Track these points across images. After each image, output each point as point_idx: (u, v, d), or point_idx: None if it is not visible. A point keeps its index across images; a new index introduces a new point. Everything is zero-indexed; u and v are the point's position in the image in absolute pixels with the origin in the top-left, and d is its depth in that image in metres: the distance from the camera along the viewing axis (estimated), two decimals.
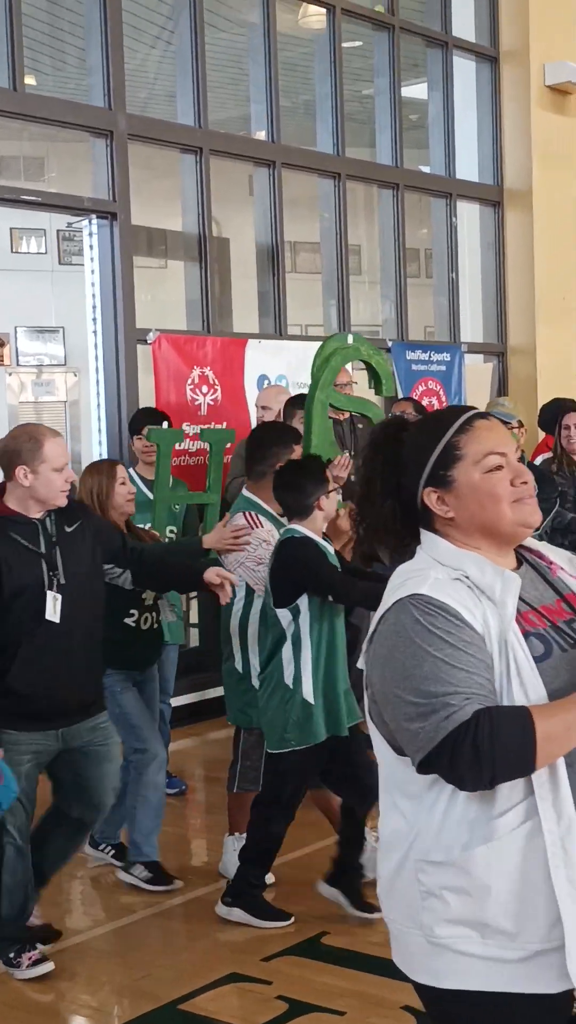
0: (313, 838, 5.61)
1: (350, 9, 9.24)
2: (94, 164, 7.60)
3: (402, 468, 2.29)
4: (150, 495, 6.29)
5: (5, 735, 4.20)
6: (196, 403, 7.71)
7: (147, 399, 7.69)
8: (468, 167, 10.34)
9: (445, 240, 10.15)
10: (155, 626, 5.27)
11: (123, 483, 5.14)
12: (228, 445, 6.85)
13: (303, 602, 4.57)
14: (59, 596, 4.20)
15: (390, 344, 9.32)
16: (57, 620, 4.20)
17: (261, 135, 8.94)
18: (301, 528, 4.66)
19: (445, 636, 2.10)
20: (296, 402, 6.47)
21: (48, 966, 4.39)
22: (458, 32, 10.18)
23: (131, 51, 8.27)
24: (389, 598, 2.19)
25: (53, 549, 4.27)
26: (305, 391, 7.59)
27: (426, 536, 2.29)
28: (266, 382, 8.09)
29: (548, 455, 7.11)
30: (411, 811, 2.20)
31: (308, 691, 4.57)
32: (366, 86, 10.72)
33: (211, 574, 4.57)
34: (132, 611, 5.13)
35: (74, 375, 12.49)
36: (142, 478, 6.36)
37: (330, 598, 4.57)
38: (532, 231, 10.27)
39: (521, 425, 6.51)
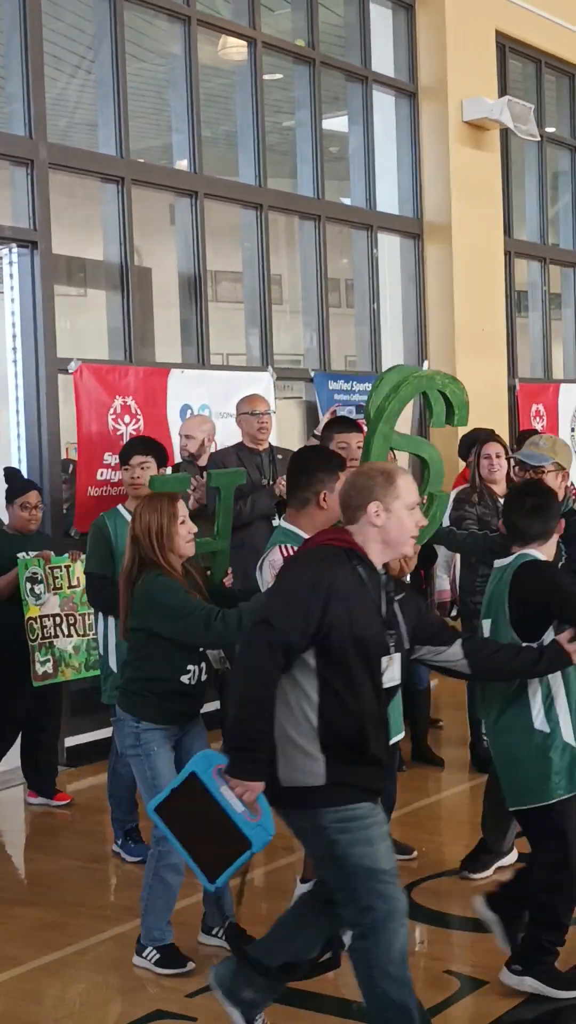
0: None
1: (271, 43, 9.30)
2: (13, 192, 7.54)
3: None
4: None
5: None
6: (118, 433, 7.66)
7: (68, 429, 7.64)
8: (388, 200, 10.44)
9: (366, 271, 10.23)
10: (203, 678, 4.72)
11: (183, 522, 4.66)
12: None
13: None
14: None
15: (313, 374, 9.35)
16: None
17: (182, 164, 8.96)
18: (533, 552, 4.40)
19: None
20: (335, 425, 6.29)
21: None
22: (378, 67, 10.30)
23: (51, 80, 8.25)
24: None
25: None
26: (230, 420, 7.63)
27: None
28: (189, 412, 8.08)
29: (465, 486, 7.11)
30: None
31: (570, 733, 4.26)
32: (286, 118, 10.80)
33: None
34: (190, 666, 4.63)
35: None
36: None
37: None
38: (451, 263, 10.39)
39: (561, 468, 5.82)
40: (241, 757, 3.49)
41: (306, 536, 4.44)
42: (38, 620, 6.64)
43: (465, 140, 10.50)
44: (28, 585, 6.61)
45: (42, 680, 6.63)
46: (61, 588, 6.73)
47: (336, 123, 10.60)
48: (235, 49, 9.55)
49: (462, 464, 7.77)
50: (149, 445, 6.17)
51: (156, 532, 4.58)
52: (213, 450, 7.30)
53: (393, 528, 3.66)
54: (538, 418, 11.61)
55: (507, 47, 11.54)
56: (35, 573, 6.62)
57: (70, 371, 7.47)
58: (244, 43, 9.20)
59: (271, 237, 9.33)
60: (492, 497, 6.88)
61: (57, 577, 6.73)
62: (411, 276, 10.57)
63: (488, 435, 7.40)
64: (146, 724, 4.58)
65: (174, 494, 4.74)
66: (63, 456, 7.74)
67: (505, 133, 11.01)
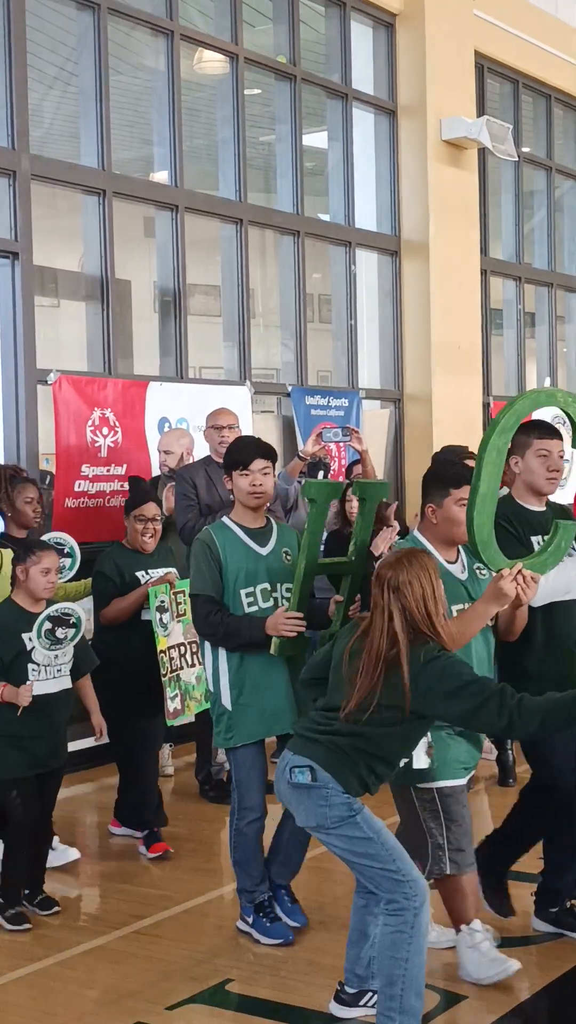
0: (211, 886, 5.60)
1: (253, 59, 9.34)
2: None
3: None
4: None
5: None
6: (96, 445, 7.67)
7: (47, 440, 7.63)
8: (366, 216, 10.50)
9: (344, 287, 10.27)
10: None
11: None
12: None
13: None
14: None
15: (290, 389, 9.38)
16: None
17: (160, 177, 8.98)
18: None
19: None
20: (534, 430, 5.40)
21: None
22: (358, 84, 10.36)
23: (30, 90, 8.26)
24: None
25: None
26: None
27: None
28: (167, 425, 8.08)
29: None
30: None
31: None
32: (263, 132, 10.84)
33: None
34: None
35: None
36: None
37: None
38: (428, 281, 10.45)
39: None
40: None
41: (430, 547, 4.42)
42: (166, 652, 6.08)
43: (443, 159, 10.57)
44: (157, 615, 6.05)
45: (174, 718, 6.12)
46: (184, 614, 6.10)
47: (315, 139, 10.65)
48: (210, 63, 9.59)
49: None
50: (267, 449, 5.10)
51: (428, 599, 3.93)
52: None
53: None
54: None
55: (486, 67, 11.64)
56: (163, 601, 6.06)
57: (49, 382, 7.47)
58: (221, 57, 9.24)
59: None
60: None
61: (181, 603, 6.10)
62: (388, 293, 10.62)
63: (464, 452, 7.43)
64: (352, 797, 4.01)
65: (419, 550, 4.17)
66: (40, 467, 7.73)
67: (483, 152, 11.09)
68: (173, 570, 6.21)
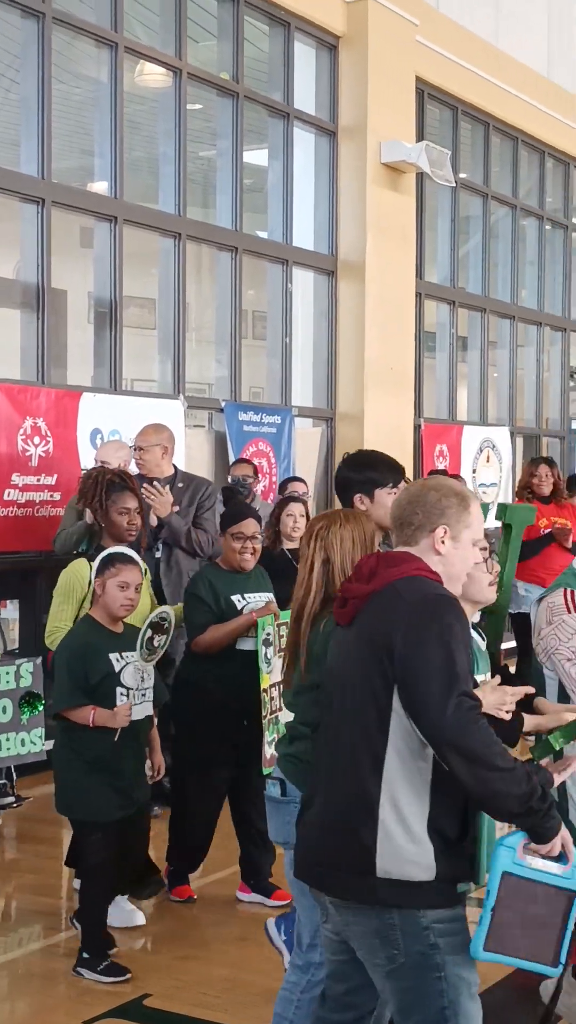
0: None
1: (197, 74, 9.37)
2: None
3: None
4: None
5: None
6: (27, 454, 7.62)
7: None
8: (304, 235, 10.55)
9: (280, 305, 10.31)
10: None
11: (383, 542, 3.95)
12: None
13: None
14: None
15: (223, 404, 9.39)
16: None
17: (99, 188, 8.96)
18: None
19: None
20: None
21: None
22: (300, 104, 10.42)
23: None
24: None
25: None
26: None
27: None
28: (99, 436, 8.05)
29: None
30: None
31: None
32: (203, 147, 10.87)
33: None
34: None
35: None
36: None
37: None
38: (364, 302, 10.52)
39: None
40: (542, 818, 2.92)
41: None
42: (267, 692, 5.36)
43: (382, 181, 10.66)
44: (263, 650, 5.34)
45: (271, 765, 4.83)
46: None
47: (255, 156, 10.69)
48: (152, 76, 9.59)
49: None
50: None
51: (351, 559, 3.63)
52: None
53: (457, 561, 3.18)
54: (441, 458, 11.79)
55: (426, 93, 11.77)
56: (268, 634, 5.37)
57: None
58: (163, 70, 9.25)
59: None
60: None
61: (283, 636, 5.21)
62: (323, 312, 10.68)
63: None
64: None
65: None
66: None
67: (421, 177, 11.20)
68: (272, 598, 5.58)
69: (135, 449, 7.16)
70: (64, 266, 10.85)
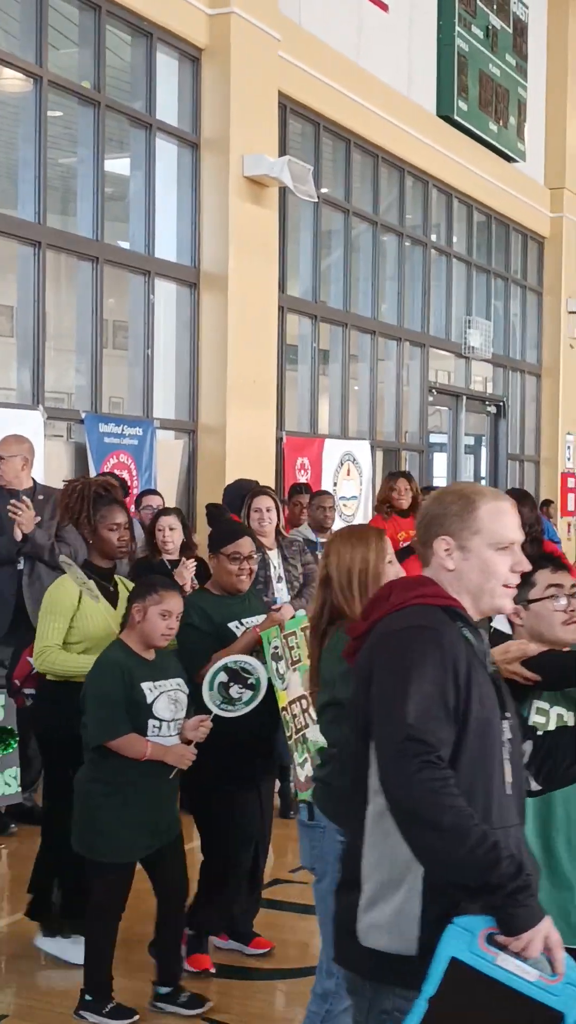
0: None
1: (58, 82, 9.26)
2: None
3: None
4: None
5: None
6: None
7: None
8: (167, 246, 10.51)
9: (142, 316, 10.25)
10: None
11: (391, 561, 3.71)
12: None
13: None
14: None
15: (83, 415, 9.29)
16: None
17: None
18: None
19: None
20: None
21: None
22: (162, 115, 10.39)
23: None
24: None
25: None
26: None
27: None
28: None
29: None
30: None
31: None
32: (63, 155, 10.75)
33: None
34: None
35: None
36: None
37: None
38: (226, 314, 10.51)
39: None
40: (514, 901, 2.35)
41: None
42: (288, 709, 4.96)
43: (244, 195, 10.68)
44: (273, 665, 5.01)
45: (307, 789, 4.48)
46: (300, 660, 5.00)
47: (117, 165, 10.61)
48: (12, 81, 9.46)
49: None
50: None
51: (361, 571, 3.62)
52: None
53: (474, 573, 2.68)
54: (303, 471, 11.86)
55: (289, 107, 11.83)
56: (276, 648, 5.04)
57: None
58: (23, 76, 9.12)
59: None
60: (260, 549, 6.94)
61: (293, 647, 5.05)
62: (186, 323, 10.65)
63: (258, 488, 7.51)
64: None
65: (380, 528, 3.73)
66: None
67: (283, 191, 11.26)
68: (286, 606, 5.32)
69: None
70: None
